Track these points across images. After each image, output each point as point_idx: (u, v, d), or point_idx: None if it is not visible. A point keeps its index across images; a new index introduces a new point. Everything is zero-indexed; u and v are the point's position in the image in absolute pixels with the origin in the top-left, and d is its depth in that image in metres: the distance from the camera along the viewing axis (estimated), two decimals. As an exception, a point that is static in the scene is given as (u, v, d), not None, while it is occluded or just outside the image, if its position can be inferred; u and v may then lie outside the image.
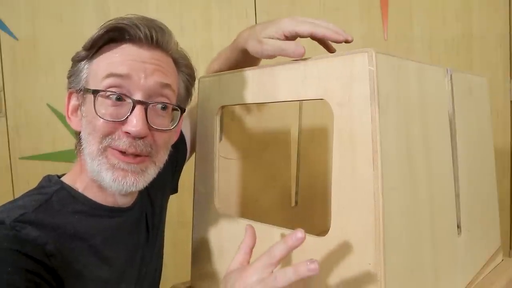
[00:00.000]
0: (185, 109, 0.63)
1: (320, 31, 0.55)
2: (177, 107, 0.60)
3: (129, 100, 0.54)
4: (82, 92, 0.57)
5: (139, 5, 1.48)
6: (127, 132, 0.54)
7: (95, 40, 0.55)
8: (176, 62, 0.61)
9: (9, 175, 1.51)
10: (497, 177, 0.80)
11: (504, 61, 1.50)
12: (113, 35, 0.55)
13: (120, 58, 0.55)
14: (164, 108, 0.57)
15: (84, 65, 0.57)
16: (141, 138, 0.54)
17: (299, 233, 0.45)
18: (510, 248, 1.52)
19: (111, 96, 0.54)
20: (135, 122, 0.53)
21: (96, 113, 0.53)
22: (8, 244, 0.48)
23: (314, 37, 0.58)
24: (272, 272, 0.46)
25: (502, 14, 1.49)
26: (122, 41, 0.56)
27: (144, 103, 0.54)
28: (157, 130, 0.56)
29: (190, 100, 0.67)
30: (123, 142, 0.54)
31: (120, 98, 0.54)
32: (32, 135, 1.50)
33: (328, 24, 0.57)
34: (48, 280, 0.50)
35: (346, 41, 0.56)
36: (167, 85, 0.57)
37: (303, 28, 0.56)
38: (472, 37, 1.50)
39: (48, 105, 1.48)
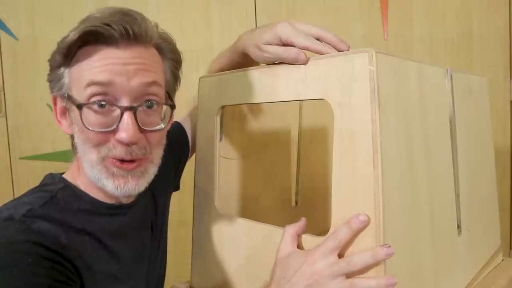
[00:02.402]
0: (174, 105, 0.60)
1: (315, 48, 0.54)
2: (166, 105, 0.58)
3: (116, 107, 0.52)
4: (66, 99, 0.55)
5: (139, 5, 1.48)
6: (119, 140, 0.53)
7: (69, 46, 0.52)
8: (159, 49, 0.58)
9: (9, 175, 1.51)
10: (497, 177, 0.80)
11: (504, 61, 1.50)
12: (87, 39, 0.52)
13: (99, 63, 0.52)
14: (153, 105, 0.56)
15: (63, 71, 0.55)
16: (135, 143, 0.53)
17: (362, 216, 0.46)
18: (510, 248, 1.52)
19: (96, 107, 0.52)
20: (126, 129, 0.52)
21: (85, 126, 0.52)
22: (23, 236, 0.49)
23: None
24: (337, 256, 0.47)
25: (502, 14, 1.49)
26: (98, 43, 0.53)
27: (132, 108, 0.52)
28: (150, 131, 0.55)
29: (179, 84, 0.65)
30: (119, 151, 0.53)
31: (106, 106, 0.52)
32: (32, 135, 1.50)
33: (325, 34, 0.56)
34: (69, 268, 0.50)
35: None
36: (152, 83, 0.55)
37: (299, 40, 0.55)
38: (472, 37, 1.50)
39: (48, 105, 1.48)
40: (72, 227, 0.54)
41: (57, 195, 0.56)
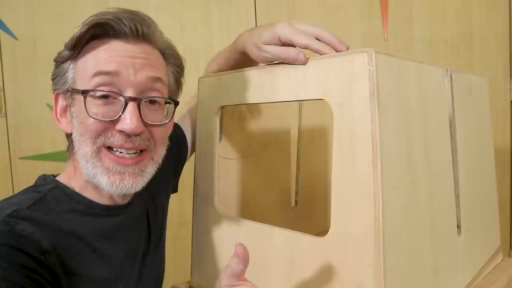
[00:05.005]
0: (178, 102, 0.61)
1: (315, 47, 0.54)
2: (170, 101, 0.59)
3: (121, 98, 0.53)
4: (70, 93, 0.56)
5: (139, 5, 1.48)
6: (121, 131, 0.53)
7: (78, 38, 0.53)
8: (163, 53, 0.60)
9: (9, 175, 1.51)
10: (497, 177, 0.79)
11: (504, 61, 1.50)
12: (97, 32, 0.53)
13: (107, 55, 0.53)
14: (156, 102, 0.57)
15: (69, 65, 0.56)
16: (137, 135, 0.54)
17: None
18: (510, 248, 1.52)
19: (101, 95, 0.53)
20: (129, 119, 0.52)
21: (88, 114, 0.52)
22: (2, 240, 0.48)
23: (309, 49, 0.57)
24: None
25: (502, 14, 1.49)
26: (107, 37, 0.54)
27: (136, 99, 0.53)
28: (153, 125, 0.56)
29: (181, 91, 0.66)
30: (117, 139, 0.53)
31: (110, 96, 0.53)
32: (32, 135, 1.50)
33: (324, 34, 0.55)
34: (45, 277, 0.49)
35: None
36: (158, 79, 0.56)
37: (299, 39, 0.55)
38: (472, 37, 1.50)
39: (48, 105, 1.48)
40: (60, 229, 0.53)
41: (47, 195, 0.55)
